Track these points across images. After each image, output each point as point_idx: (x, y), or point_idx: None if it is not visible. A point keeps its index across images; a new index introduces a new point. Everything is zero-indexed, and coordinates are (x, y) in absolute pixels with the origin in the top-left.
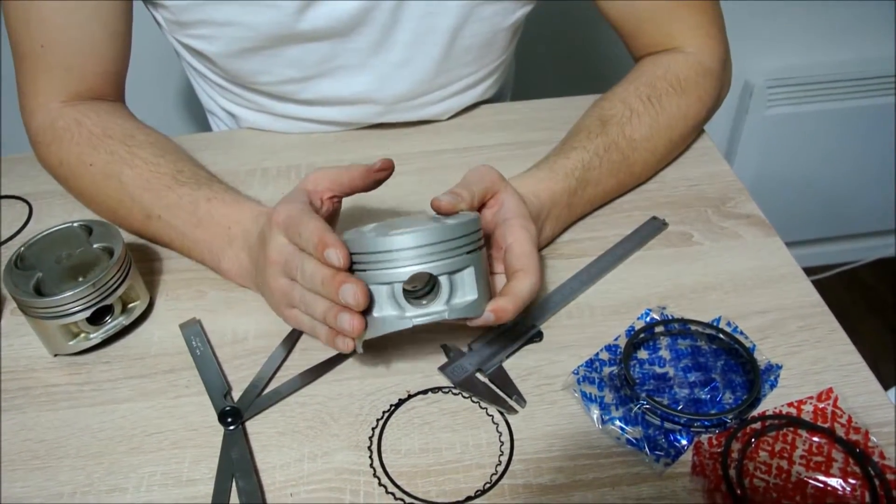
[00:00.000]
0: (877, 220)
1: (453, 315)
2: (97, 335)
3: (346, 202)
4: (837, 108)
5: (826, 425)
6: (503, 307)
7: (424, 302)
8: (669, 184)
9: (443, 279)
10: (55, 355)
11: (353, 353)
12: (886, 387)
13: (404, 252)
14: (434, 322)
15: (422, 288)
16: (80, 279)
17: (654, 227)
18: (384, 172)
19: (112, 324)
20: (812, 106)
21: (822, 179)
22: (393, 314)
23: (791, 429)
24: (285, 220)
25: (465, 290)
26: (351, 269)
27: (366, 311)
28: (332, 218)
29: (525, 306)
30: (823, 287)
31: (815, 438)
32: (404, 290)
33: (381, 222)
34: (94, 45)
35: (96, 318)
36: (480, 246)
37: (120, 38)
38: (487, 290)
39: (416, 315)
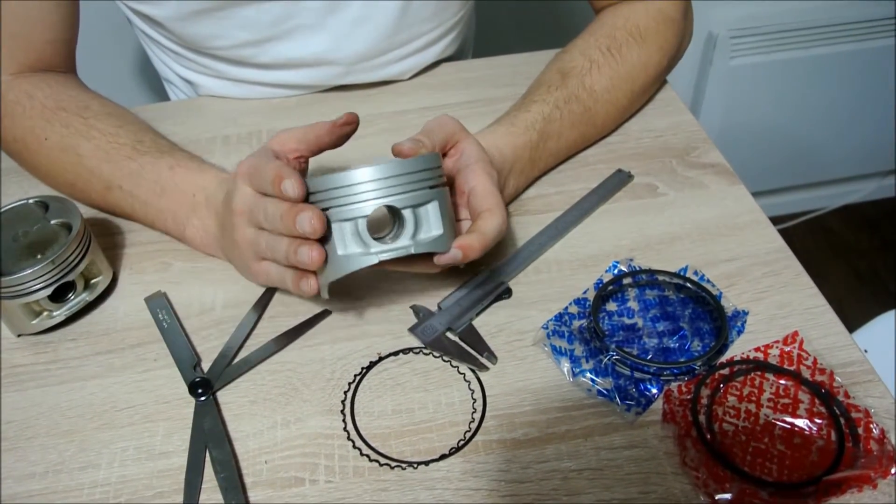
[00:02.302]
0: (842, 167)
1: (419, 249)
2: (60, 313)
3: (311, 165)
4: (801, 57)
5: (792, 368)
6: (469, 244)
7: (389, 239)
8: (633, 136)
9: (406, 213)
10: (19, 335)
11: (325, 307)
12: (851, 328)
13: (366, 185)
14: (400, 256)
15: (388, 233)
16: (39, 256)
17: (619, 180)
18: (349, 126)
19: (75, 301)
20: (776, 55)
21: (787, 128)
22: (358, 251)
23: (758, 373)
24: (248, 170)
25: (431, 225)
26: (322, 208)
27: (331, 251)
28: None
29: (492, 245)
30: (790, 235)
31: (782, 381)
32: (373, 237)
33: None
34: (41, 13)
35: (58, 296)
36: (443, 184)
37: (67, 5)
38: (453, 228)
39: (382, 251)
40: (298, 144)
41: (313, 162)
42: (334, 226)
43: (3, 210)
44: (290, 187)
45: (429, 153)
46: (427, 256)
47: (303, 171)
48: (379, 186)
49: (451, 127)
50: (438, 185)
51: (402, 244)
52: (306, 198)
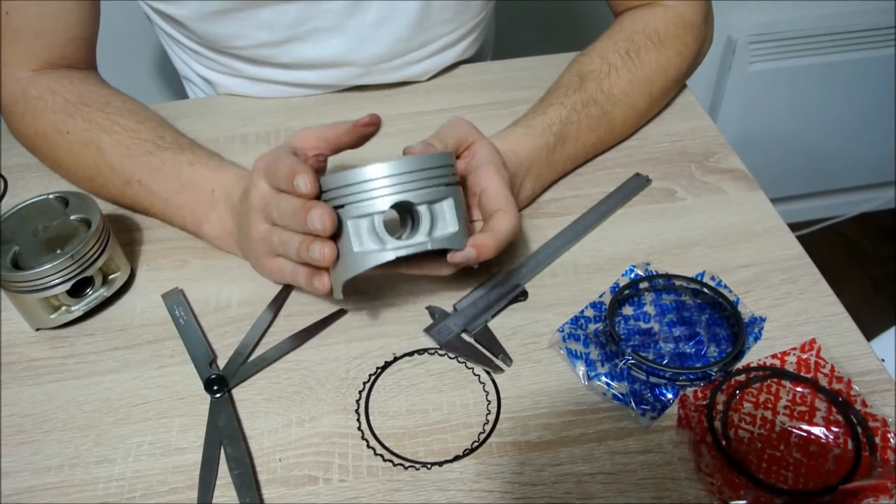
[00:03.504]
0: (860, 174)
1: (435, 245)
2: (78, 308)
3: (330, 165)
4: (820, 63)
5: (809, 375)
6: (484, 243)
7: (405, 237)
8: (652, 140)
9: (422, 209)
10: (37, 329)
11: (340, 306)
12: (868, 337)
13: (382, 181)
14: (416, 253)
15: (400, 235)
16: (58, 251)
17: (637, 184)
18: (371, 128)
19: (93, 296)
20: (795, 61)
21: (805, 135)
22: (374, 248)
23: (775, 380)
24: (265, 165)
25: (446, 221)
26: (334, 206)
27: (346, 249)
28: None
29: (505, 245)
30: (807, 242)
31: (799, 389)
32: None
33: None
34: (62, 10)
35: (77, 291)
36: (457, 182)
37: (88, 3)
38: (467, 227)
39: (398, 247)
40: (318, 142)
41: (330, 160)
42: (350, 223)
43: (23, 205)
44: (302, 183)
45: (443, 151)
46: (439, 258)
47: (321, 170)
48: (395, 182)
49: (464, 129)
50: (452, 183)
51: (418, 240)
52: (320, 195)
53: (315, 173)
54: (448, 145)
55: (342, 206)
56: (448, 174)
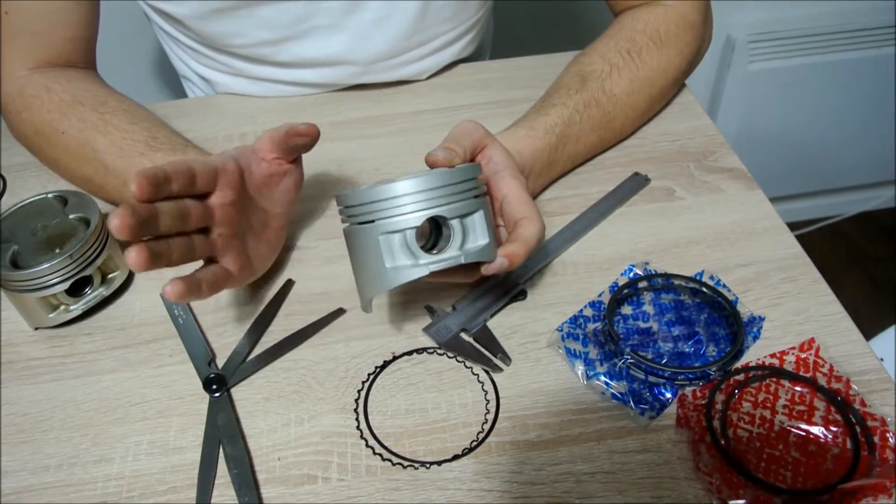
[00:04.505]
0: (859, 173)
1: (469, 259)
2: (77, 307)
3: (328, 165)
4: (820, 62)
5: (808, 375)
6: (515, 251)
7: (435, 251)
8: (651, 139)
9: (454, 223)
10: (36, 329)
11: (338, 301)
12: (867, 336)
13: (413, 196)
14: (449, 267)
15: (426, 243)
16: (57, 251)
17: (636, 183)
18: (303, 138)
19: (92, 295)
20: (794, 60)
21: (804, 134)
22: (407, 263)
23: (774, 379)
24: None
25: (477, 234)
26: (361, 221)
27: (375, 264)
28: (282, 179)
29: (534, 252)
30: (806, 241)
31: (798, 388)
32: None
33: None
34: (61, 10)
35: (76, 290)
36: (485, 192)
37: (87, 3)
38: (496, 237)
39: (432, 262)
40: (271, 145)
41: (328, 163)
42: (381, 238)
43: (22, 204)
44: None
45: (471, 163)
46: (468, 266)
47: (286, 173)
48: (426, 197)
49: (477, 133)
50: (481, 194)
51: (452, 254)
52: (346, 209)
53: (138, 174)
54: (466, 149)
55: (372, 222)
56: (476, 186)
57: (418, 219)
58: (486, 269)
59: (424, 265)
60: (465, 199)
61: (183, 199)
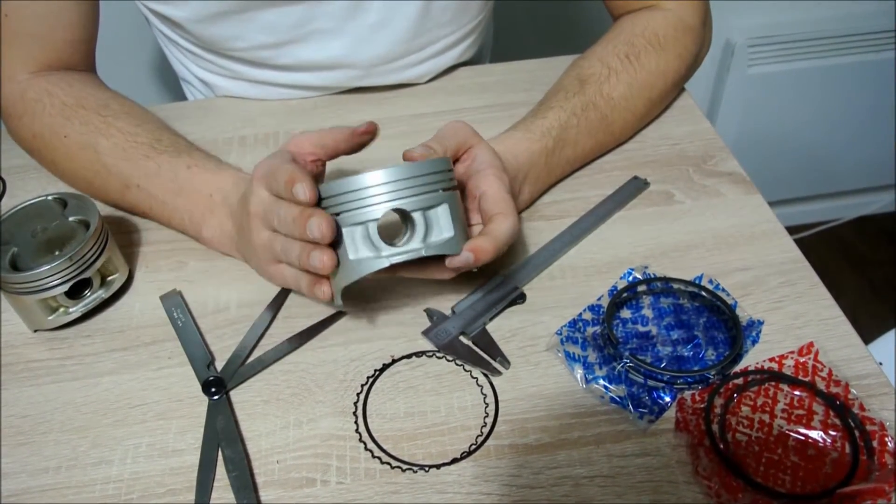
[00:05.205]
0: (858, 178)
1: (430, 251)
2: (77, 309)
3: (329, 167)
4: (819, 67)
5: (807, 379)
6: (481, 246)
7: (401, 244)
8: (650, 143)
9: (417, 216)
10: (35, 331)
11: (340, 310)
12: (866, 340)
13: (376, 188)
14: (411, 259)
15: (400, 239)
16: (57, 253)
17: (635, 187)
18: (368, 136)
19: (91, 297)
20: (794, 64)
21: (803, 138)
22: (369, 255)
23: (772, 383)
24: (263, 172)
25: (441, 227)
26: (332, 213)
27: (343, 256)
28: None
29: (505, 248)
30: (805, 245)
31: (797, 392)
32: (384, 241)
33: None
34: (61, 12)
35: (75, 292)
36: (454, 187)
37: (87, 5)
38: (465, 231)
39: (393, 254)
40: (315, 148)
41: (329, 164)
42: (345, 230)
43: (22, 206)
44: (300, 191)
45: (438, 157)
46: (440, 261)
47: (319, 175)
48: (389, 190)
49: (463, 133)
50: (449, 188)
51: (413, 247)
52: (320, 202)
53: (313, 180)
54: (448, 148)
55: (339, 214)
56: (444, 179)
57: (379, 211)
58: (450, 262)
59: (385, 257)
60: (430, 192)
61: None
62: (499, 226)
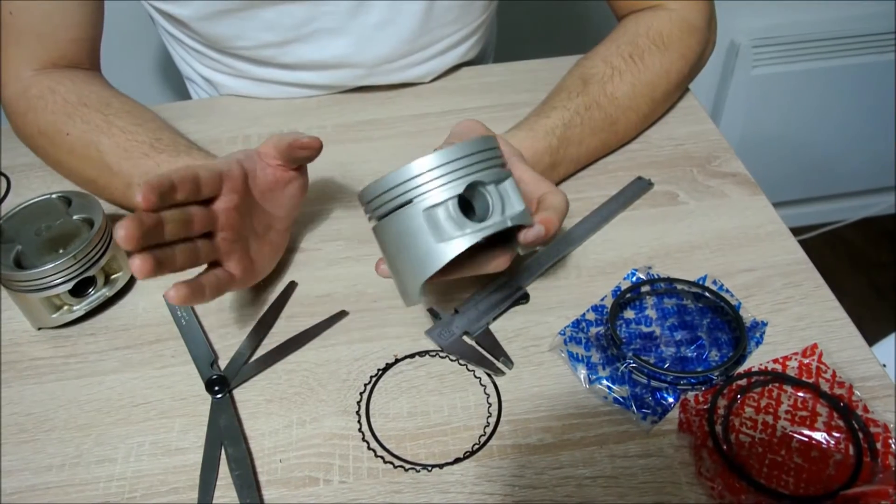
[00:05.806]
0: (862, 179)
1: (514, 222)
2: (80, 307)
3: (331, 167)
4: (823, 68)
5: (811, 380)
6: (549, 217)
7: (474, 220)
8: (654, 143)
9: (491, 189)
10: (39, 329)
11: (351, 303)
12: (870, 342)
13: (448, 167)
14: (497, 231)
15: (474, 218)
16: (61, 251)
17: (639, 187)
18: (306, 151)
19: (95, 295)
20: (798, 65)
21: (807, 139)
22: (456, 234)
23: (776, 384)
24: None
25: (512, 201)
26: (397, 206)
27: (422, 245)
28: (287, 185)
29: (563, 221)
30: (808, 247)
31: (800, 393)
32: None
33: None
34: (66, 11)
35: (79, 290)
36: (505, 164)
37: (92, 4)
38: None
39: (479, 228)
40: (275, 152)
41: (330, 167)
42: (424, 215)
43: (26, 205)
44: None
45: (490, 135)
46: (493, 252)
47: (290, 180)
48: (461, 166)
49: (477, 130)
50: (504, 164)
51: (496, 220)
52: (375, 197)
53: (147, 183)
54: None
55: (410, 202)
56: (500, 156)
57: (460, 185)
58: (524, 237)
59: (472, 233)
60: (496, 166)
61: (187, 206)
62: (553, 199)
